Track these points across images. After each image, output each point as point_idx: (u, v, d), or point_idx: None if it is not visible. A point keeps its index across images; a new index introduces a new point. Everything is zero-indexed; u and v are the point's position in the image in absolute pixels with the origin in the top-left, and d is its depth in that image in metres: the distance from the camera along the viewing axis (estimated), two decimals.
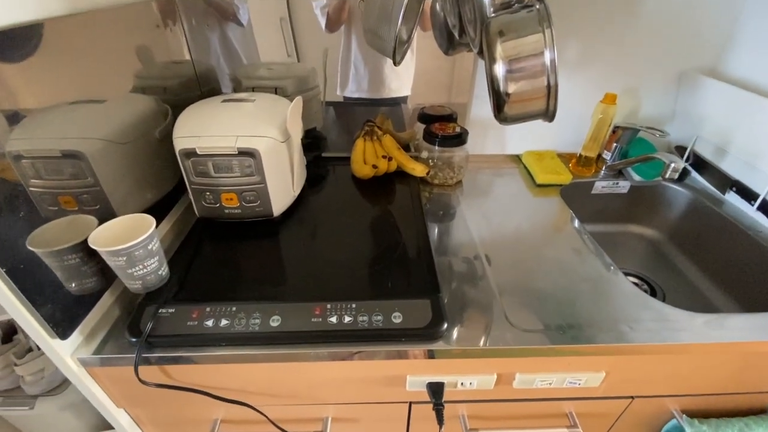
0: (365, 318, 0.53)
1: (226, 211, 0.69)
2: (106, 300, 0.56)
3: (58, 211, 0.53)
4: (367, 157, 0.88)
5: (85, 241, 0.50)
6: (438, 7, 0.74)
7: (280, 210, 0.73)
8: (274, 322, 0.52)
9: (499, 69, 0.50)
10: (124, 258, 0.50)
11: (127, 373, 0.50)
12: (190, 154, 0.63)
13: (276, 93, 0.82)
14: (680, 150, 0.96)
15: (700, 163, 0.91)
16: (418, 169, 0.87)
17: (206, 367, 0.54)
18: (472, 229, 0.76)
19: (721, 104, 0.84)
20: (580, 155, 0.95)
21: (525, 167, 0.98)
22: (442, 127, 0.86)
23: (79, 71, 0.56)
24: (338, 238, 0.72)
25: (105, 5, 0.60)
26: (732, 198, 0.84)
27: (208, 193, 0.67)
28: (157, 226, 0.55)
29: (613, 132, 0.93)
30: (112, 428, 0.63)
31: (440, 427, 0.55)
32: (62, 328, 0.49)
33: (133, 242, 0.50)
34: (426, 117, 0.92)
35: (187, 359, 0.52)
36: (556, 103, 0.51)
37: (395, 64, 0.68)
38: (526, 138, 1.01)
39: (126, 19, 0.65)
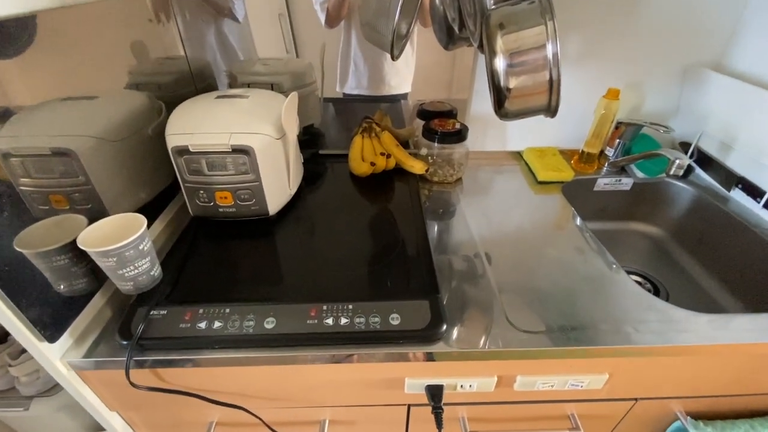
0: (362, 319, 0.52)
1: (221, 209, 0.68)
2: (98, 301, 0.55)
3: (49, 210, 0.52)
4: (365, 155, 0.86)
5: (74, 241, 0.48)
6: (437, 0, 0.72)
7: (275, 209, 0.71)
8: (269, 324, 0.51)
9: (500, 63, 0.49)
10: (114, 259, 0.49)
11: (119, 376, 0.49)
12: (182, 151, 0.62)
13: (272, 89, 0.80)
14: (684, 146, 0.94)
15: (704, 160, 0.90)
16: (417, 167, 0.86)
17: (200, 370, 0.53)
18: (472, 228, 0.74)
19: (727, 99, 0.83)
20: (583, 152, 0.94)
21: (526, 164, 0.96)
22: (442, 124, 0.84)
23: (70, 67, 0.55)
24: (335, 237, 0.70)
25: None
26: (737, 195, 0.82)
27: (201, 192, 0.66)
28: (150, 226, 0.54)
29: (616, 128, 0.91)
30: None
31: (439, 431, 0.54)
32: (50, 330, 0.48)
33: (123, 242, 0.49)
34: (425, 113, 0.91)
35: (179, 362, 0.51)
36: (558, 98, 0.50)
37: (393, 58, 0.67)
38: (527, 134, 0.99)
39: (117, 13, 0.63)
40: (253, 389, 0.57)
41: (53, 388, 0.82)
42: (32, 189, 0.50)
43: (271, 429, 0.59)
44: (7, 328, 0.44)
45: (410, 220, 0.73)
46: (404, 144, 0.92)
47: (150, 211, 0.71)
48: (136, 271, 0.52)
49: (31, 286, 0.47)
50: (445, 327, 0.52)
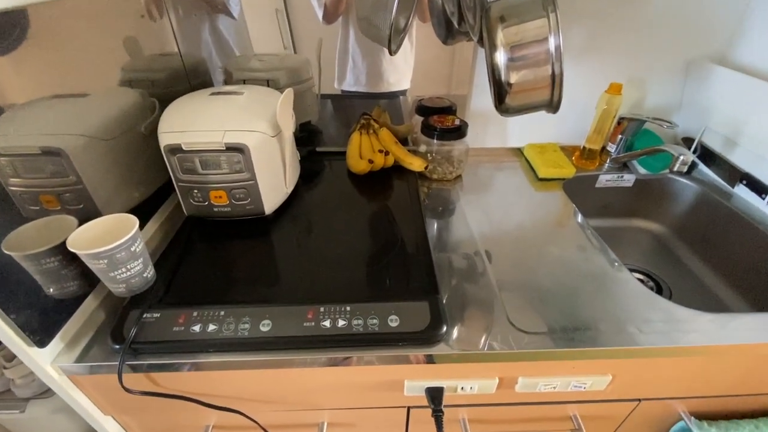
0: (360, 322, 0.50)
1: (216, 209, 0.66)
2: (90, 304, 0.54)
3: (40, 210, 0.50)
4: (363, 152, 0.85)
5: (64, 243, 0.47)
6: None
7: (272, 208, 0.70)
8: (265, 327, 0.50)
9: (501, 57, 0.47)
10: (105, 261, 0.48)
11: (112, 380, 0.48)
12: (175, 150, 0.61)
13: (268, 85, 0.79)
14: (687, 141, 0.92)
15: (708, 155, 0.88)
16: (416, 164, 0.84)
17: (195, 374, 0.52)
18: (472, 226, 0.73)
19: (731, 93, 0.81)
20: (584, 148, 0.92)
21: (527, 161, 0.95)
22: (441, 120, 0.83)
23: (61, 64, 0.54)
24: (333, 236, 0.69)
25: None
26: (741, 191, 0.81)
27: (195, 191, 0.65)
28: (144, 226, 0.53)
29: (618, 123, 0.90)
30: None
31: None
32: (40, 335, 0.46)
33: (114, 244, 0.47)
34: (424, 109, 0.89)
35: (173, 366, 0.50)
36: (561, 93, 0.49)
37: (391, 53, 0.66)
38: (527, 130, 0.98)
39: (109, 8, 0.62)
40: (250, 392, 0.56)
41: (49, 390, 0.81)
42: (22, 189, 0.48)
43: None
44: None
45: (409, 219, 0.72)
46: (403, 141, 0.91)
47: (144, 210, 0.70)
48: (129, 273, 0.51)
49: (19, 290, 0.45)
50: (445, 329, 0.50)
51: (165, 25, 0.77)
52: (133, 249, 0.50)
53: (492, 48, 0.47)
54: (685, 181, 0.88)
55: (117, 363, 0.48)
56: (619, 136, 0.90)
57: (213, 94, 0.67)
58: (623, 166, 0.92)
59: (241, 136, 0.60)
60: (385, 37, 0.63)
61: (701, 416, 0.63)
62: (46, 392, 0.81)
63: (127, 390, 0.48)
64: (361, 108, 0.91)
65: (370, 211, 0.77)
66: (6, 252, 0.44)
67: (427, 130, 0.83)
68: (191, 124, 0.61)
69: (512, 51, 0.46)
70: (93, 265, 0.48)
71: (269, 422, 0.59)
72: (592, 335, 0.52)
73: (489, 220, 0.75)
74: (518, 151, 0.99)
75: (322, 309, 0.52)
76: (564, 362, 0.53)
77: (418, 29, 0.82)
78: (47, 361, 0.48)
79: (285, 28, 0.81)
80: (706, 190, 0.85)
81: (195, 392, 0.53)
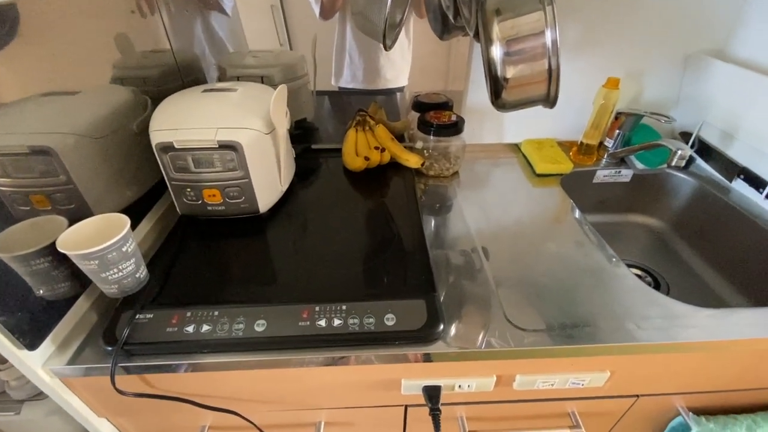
0: (356, 320, 0.50)
1: (209, 208, 0.66)
2: (81, 305, 0.53)
3: (30, 210, 0.50)
4: (359, 149, 0.84)
5: (54, 243, 0.46)
6: None
7: (266, 206, 0.69)
8: (259, 327, 0.49)
9: (497, 51, 0.46)
10: (96, 262, 0.47)
11: (106, 382, 0.47)
12: (167, 148, 0.60)
13: (263, 82, 0.78)
14: (685, 136, 0.92)
15: (705, 150, 0.88)
16: (412, 161, 0.84)
17: (189, 375, 0.51)
18: (469, 222, 0.72)
19: (729, 87, 0.81)
20: (581, 143, 0.92)
21: (524, 156, 0.94)
22: (438, 116, 0.82)
23: (52, 61, 0.53)
24: (328, 234, 0.68)
25: None
26: (739, 186, 0.81)
27: (188, 190, 0.64)
28: (137, 225, 0.52)
29: (616, 118, 0.89)
30: None
31: None
32: (30, 338, 0.46)
33: (104, 245, 0.47)
34: (420, 105, 0.88)
35: (167, 367, 0.49)
36: (557, 87, 0.48)
37: (386, 48, 0.65)
38: (524, 126, 0.97)
39: (98, 4, 0.61)
40: (245, 393, 0.56)
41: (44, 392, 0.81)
42: (12, 189, 0.48)
43: None
44: None
45: (406, 216, 0.71)
46: (399, 137, 0.90)
47: (137, 210, 0.69)
48: (121, 273, 0.50)
49: (9, 291, 0.44)
50: (442, 327, 0.50)
51: (156, 21, 0.76)
52: (124, 249, 0.49)
53: (488, 42, 0.47)
54: (682, 175, 0.88)
55: (110, 365, 0.47)
56: (617, 131, 0.89)
57: (206, 91, 0.66)
58: (621, 161, 0.92)
59: (234, 133, 0.59)
60: (380, 31, 0.62)
61: (699, 411, 0.63)
62: (40, 394, 0.80)
63: (120, 392, 0.47)
64: (357, 105, 0.90)
65: (367, 209, 0.76)
66: None
67: (424, 126, 0.82)
68: (183, 122, 0.60)
69: (508, 45, 0.46)
70: (84, 266, 0.48)
71: (265, 422, 0.58)
72: (590, 332, 0.52)
73: (486, 216, 0.74)
74: (515, 147, 0.98)
75: (317, 308, 0.51)
76: (562, 359, 0.53)
77: (415, 25, 0.81)
78: (38, 364, 0.47)
79: (280, 24, 0.80)
80: (704, 185, 0.85)
81: (189, 393, 0.52)
